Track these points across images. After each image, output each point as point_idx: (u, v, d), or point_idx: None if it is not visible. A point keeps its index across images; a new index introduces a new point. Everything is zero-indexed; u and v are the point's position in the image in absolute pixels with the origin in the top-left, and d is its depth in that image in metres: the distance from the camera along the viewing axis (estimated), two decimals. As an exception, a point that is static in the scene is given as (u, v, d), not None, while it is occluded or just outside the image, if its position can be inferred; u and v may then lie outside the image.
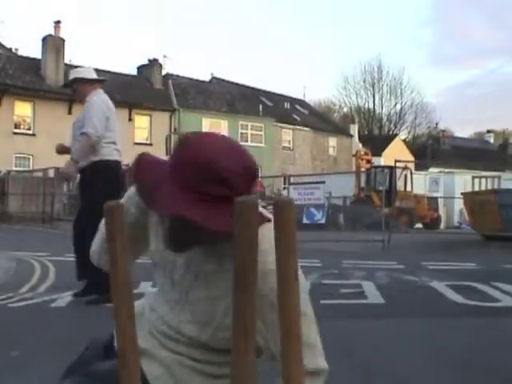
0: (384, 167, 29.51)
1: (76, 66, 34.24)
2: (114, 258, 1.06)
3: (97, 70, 6.92)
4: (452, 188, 29.91)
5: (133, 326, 1.13)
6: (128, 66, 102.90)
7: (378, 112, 69.71)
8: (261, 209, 1.52)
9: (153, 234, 1.84)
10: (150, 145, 36.56)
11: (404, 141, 62.62)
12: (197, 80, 44.47)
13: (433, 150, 57.01)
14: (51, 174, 24.31)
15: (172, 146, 1.66)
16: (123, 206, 1.09)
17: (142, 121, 37.69)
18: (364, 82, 67.96)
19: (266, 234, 1.30)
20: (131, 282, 1.13)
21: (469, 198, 18.40)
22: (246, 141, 41.95)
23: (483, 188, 22.28)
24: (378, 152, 44.53)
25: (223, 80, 47.80)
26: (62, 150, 7.19)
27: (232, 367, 1.07)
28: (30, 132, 33.11)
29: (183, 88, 41.50)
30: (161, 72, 41.05)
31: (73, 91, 7.29)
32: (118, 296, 1.10)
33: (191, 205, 1.45)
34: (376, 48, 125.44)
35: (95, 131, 6.61)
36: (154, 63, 40.58)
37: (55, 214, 23.08)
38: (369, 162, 30.56)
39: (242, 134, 41.80)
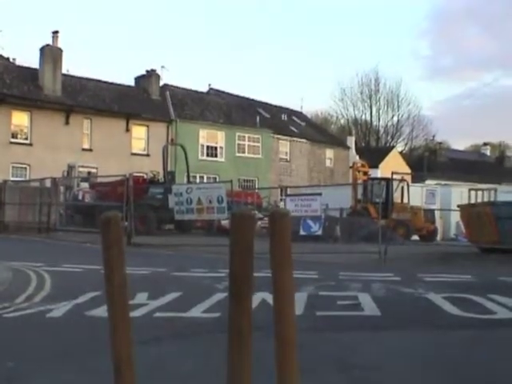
0: (381, 179, 29.53)
1: (73, 77, 34.16)
2: (110, 267, 1.06)
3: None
4: (448, 200, 29.87)
5: (129, 338, 1.13)
6: (126, 77, 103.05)
7: (374, 124, 69.88)
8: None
9: None
10: (147, 155, 36.57)
11: (401, 153, 62.68)
12: (194, 91, 44.50)
13: (429, 162, 57.11)
14: (48, 183, 24.28)
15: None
16: (119, 216, 1.09)
17: (139, 131, 37.67)
18: (361, 93, 68.15)
19: None
20: (127, 291, 1.12)
21: (465, 210, 18.41)
22: (243, 152, 41.95)
23: (479, 200, 22.30)
24: (374, 164, 44.50)
25: (221, 91, 47.84)
26: None
27: (228, 373, 1.07)
28: (27, 142, 33.07)
29: (180, 99, 41.53)
30: (158, 83, 41.07)
31: None
32: (114, 306, 1.09)
33: None
34: (373, 60, 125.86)
35: None
36: (151, 74, 40.61)
37: (52, 224, 23.04)
38: (366, 173, 30.52)
39: (238, 145, 41.79)
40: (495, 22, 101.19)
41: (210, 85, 48.69)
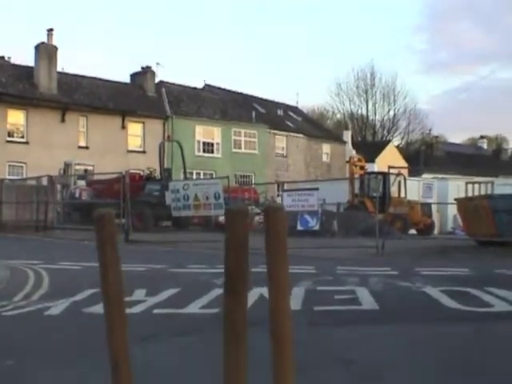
0: (377, 173, 29.51)
1: (69, 74, 34.06)
2: (105, 264, 1.06)
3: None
4: (445, 194, 29.87)
5: (125, 335, 1.13)
6: (121, 74, 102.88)
7: (371, 118, 69.88)
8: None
9: None
10: (144, 152, 36.52)
11: (397, 147, 62.68)
12: (190, 87, 44.44)
13: (426, 155, 57.11)
14: (45, 182, 24.25)
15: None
16: (113, 213, 1.08)
17: (135, 128, 37.63)
18: (357, 88, 68.12)
19: None
20: (123, 288, 1.12)
21: (462, 203, 18.42)
22: (240, 148, 41.94)
23: (476, 193, 22.28)
24: (371, 158, 44.49)
25: (216, 87, 47.78)
26: None
27: (224, 369, 1.07)
28: (24, 140, 33.02)
29: (176, 95, 41.47)
30: (154, 79, 41.01)
31: None
32: (110, 303, 1.09)
33: None
34: (369, 54, 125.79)
35: None
36: (147, 71, 40.54)
37: (49, 222, 23.02)
38: (362, 168, 30.51)
39: (235, 140, 41.77)
40: (491, 15, 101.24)
41: (205, 81, 48.68)
